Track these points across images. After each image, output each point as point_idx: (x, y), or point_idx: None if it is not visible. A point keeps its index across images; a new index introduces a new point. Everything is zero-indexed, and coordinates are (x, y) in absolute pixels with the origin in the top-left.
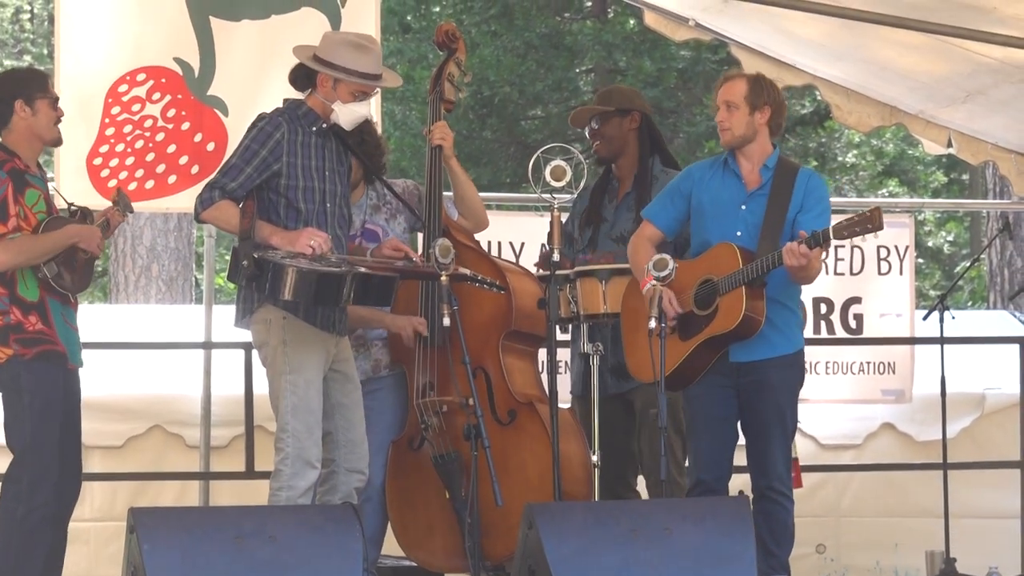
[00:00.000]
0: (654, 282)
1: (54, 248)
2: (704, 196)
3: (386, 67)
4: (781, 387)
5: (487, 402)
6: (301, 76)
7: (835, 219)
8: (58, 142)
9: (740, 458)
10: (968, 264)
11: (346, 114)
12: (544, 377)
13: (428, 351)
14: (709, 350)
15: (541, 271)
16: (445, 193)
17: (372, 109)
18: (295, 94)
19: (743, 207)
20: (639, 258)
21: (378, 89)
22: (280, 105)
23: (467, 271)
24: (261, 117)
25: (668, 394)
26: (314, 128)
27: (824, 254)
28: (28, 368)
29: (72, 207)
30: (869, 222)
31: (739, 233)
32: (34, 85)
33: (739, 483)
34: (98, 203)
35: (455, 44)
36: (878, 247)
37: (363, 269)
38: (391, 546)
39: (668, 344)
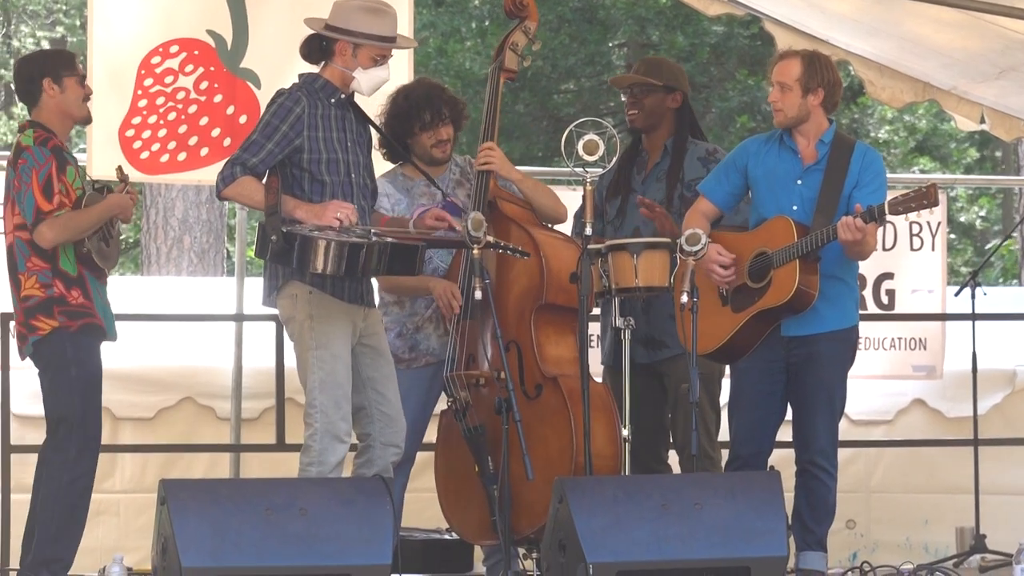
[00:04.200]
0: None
1: (98, 222)
2: (760, 171)
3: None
4: (830, 361)
5: (517, 376)
6: (315, 49)
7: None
8: (88, 120)
9: (785, 434)
10: (1000, 241)
11: (368, 80)
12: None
13: (461, 324)
14: (761, 323)
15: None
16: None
17: (396, 73)
18: None
19: (799, 182)
20: None
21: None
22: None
23: (490, 238)
24: (280, 93)
25: (703, 368)
26: (332, 100)
27: (881, 230)
28: (73, 341)
29: (97, 183)
30: (925, 198)
31: (795, 207)
32: (61, 63)
33: (775, 458)
34: (131, 176)
35: (524, 12)
36: (910, 223)
37: (390, 239)
38: (422, 518)
39: (719, 316)
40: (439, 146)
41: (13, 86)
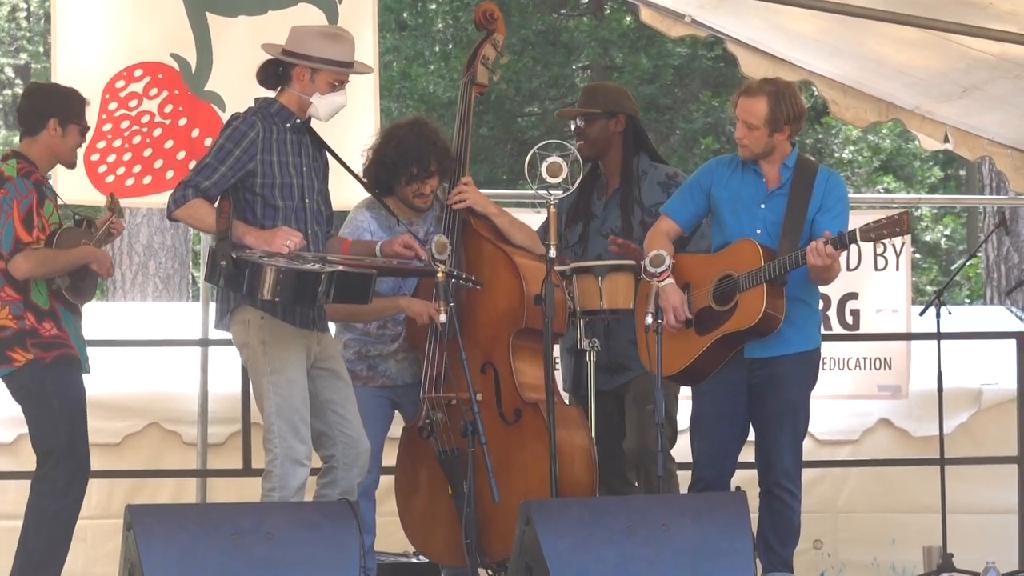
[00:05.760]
0: (650, 279)
1: (72, 265)
2: (724, 193)
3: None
4: (794, 383)
5: (494, 399)
6: (271, 75)
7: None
8: (72, 166)
9: (749, 454)
10: (965, 260)
11: (325, 106)
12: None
13: (439, 344)
14: (724, 346)
15: None
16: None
17: (374, 104)
18: None
19: (762, 205)
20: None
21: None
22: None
23: (443, 267)
24: (235, 116)
25: (666, 388)
26: (288, 125)
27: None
28: (50, 372)
29: (77, 216)
30: (897, 225)
31: (758, 231)
32: (71, 110)
33: (739, 479)
34: (95, 199)
35: (493, 25)
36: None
37: (340, 267)
38: (389, 542)
39: (683, 338)
40: (421, 198)
41: (19, 106)
